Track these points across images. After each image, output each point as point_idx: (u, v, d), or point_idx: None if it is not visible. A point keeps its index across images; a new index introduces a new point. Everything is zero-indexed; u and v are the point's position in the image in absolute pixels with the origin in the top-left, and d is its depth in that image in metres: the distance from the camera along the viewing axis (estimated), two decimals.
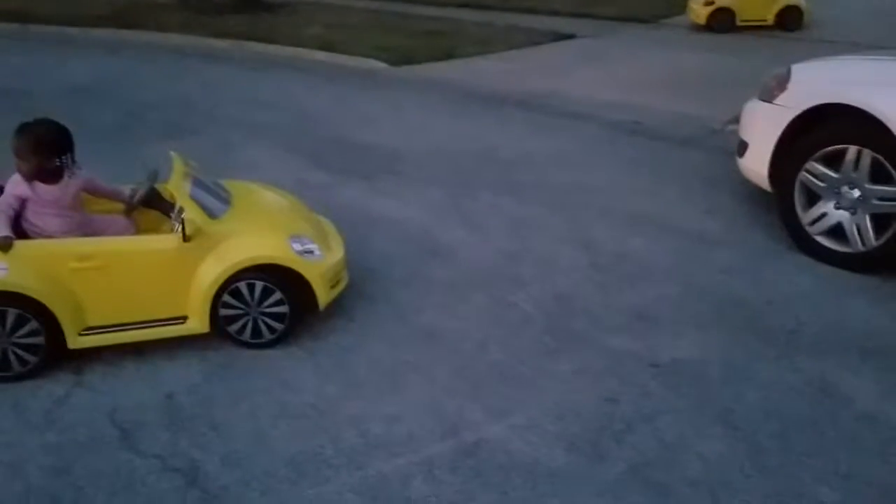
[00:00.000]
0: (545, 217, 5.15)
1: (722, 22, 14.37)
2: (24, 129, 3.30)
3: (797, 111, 4.50)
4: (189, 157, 3.80)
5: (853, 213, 4.31)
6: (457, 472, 2.76)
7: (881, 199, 4.18)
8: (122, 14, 13.91)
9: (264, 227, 3.64)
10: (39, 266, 3.20)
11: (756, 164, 4.85)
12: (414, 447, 2.89)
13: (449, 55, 11.50)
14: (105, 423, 3.01)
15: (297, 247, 3.52)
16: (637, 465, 2.81)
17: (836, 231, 4.39)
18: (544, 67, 10.85)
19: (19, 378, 3.25)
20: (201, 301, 3.37)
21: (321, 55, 11.45)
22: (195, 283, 3.38)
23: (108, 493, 2.65)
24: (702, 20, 14.55)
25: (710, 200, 5.44)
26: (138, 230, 3.66)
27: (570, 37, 13.54)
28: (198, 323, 3.42)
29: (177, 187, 3.44)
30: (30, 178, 3.30)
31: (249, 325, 3.47)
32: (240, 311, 3.44)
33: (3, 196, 3.32)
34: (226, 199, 3.67)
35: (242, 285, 3.40)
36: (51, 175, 3.34)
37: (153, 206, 3.67)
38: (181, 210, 3.39)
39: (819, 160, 4.42)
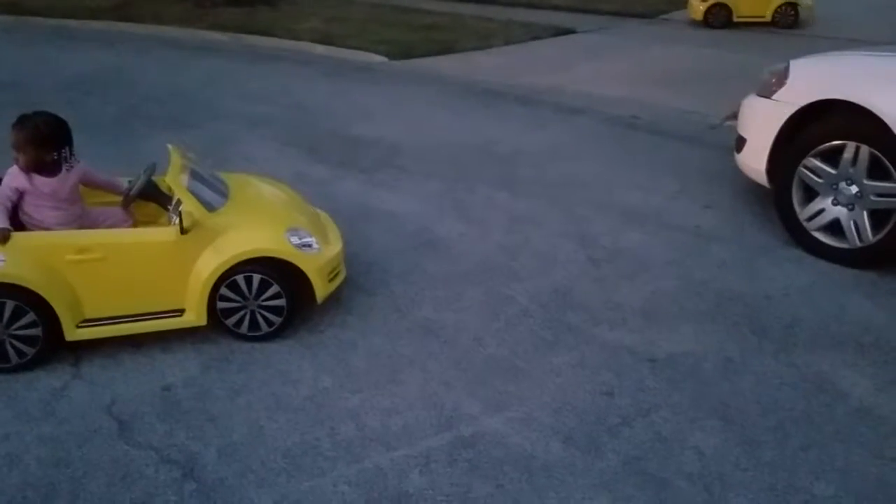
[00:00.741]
0: (543, 211, 5.15)
1: (719, 17, 14.38)
2: (22, 122, 3.30)
3: (795, 107, 4.51)
4: (187, 150, 3.80)
5: (850, 210, 4.31)
6: (453, 465, 2.77)
7: (879, 195, 4.18)
8: (121, 6, 13.88)
9: (262, 220, 3.64)
10: (37, 258, 3.20)
11: (754, 160, 4.85)
12: (411, 440, 2.90)
13: (448, 49, 11.49)
14: (102, 414, 3.02)
15: (295, 240, 3.52)
16: (633, 459, 2.82)
17: (834, 227, 4.40)
18: (544, 62, 10.84)
19: (17, 370, 3.25)
20: (199, 294, 3.37)
21: (320, 48, 11.44)
22: (193, 275, 3.38)
23: (106, 485, 2.65)
24: (699, 16, 14.56)
25: (708, 196, 5.45)
26: (136, 223, 3.67)
27: (570, 32, 13.54)
28: (195, 316, 3.42)
29: (174, 180, 3.43)
30: (28, 170, 3.30)
31: (247, 317, 3.47)
32: (237, 304, 3.44)
33: (0, 188, 3.31)
34: (223, 192, 3.67)
35: (240, 278, 3.40)
36: (49, 167, 3.34)
37: (151, 198, 3.67)
38: (179, 202, 3.39)
39: (817, 156, 4.42)
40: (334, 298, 3.81)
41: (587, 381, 3.28)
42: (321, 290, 3.57)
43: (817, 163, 4.42)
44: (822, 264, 4.37)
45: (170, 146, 3.68)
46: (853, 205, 4.30)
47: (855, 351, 3.51)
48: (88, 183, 3.62)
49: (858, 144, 4.21)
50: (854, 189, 4.28)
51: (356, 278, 4.07)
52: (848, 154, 4.26)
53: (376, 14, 14.55)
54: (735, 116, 5.41)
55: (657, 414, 3.07)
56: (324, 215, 4.12)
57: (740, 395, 3.19)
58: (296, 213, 3.82)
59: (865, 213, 4.24)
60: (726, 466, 2.78)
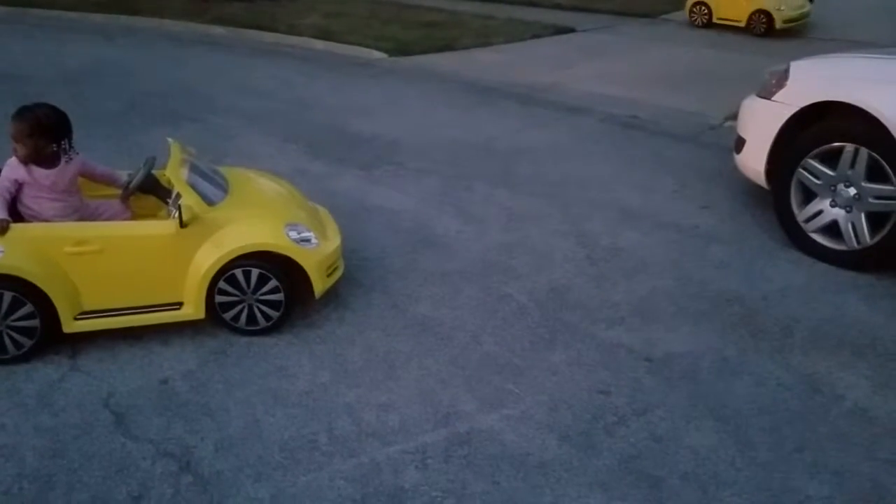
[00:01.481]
0: (541, 209, 5.16)
1: (700, 16, 14.32)
2: (22, 113, 3.29)
3: (795, 108, 4.51)
4: (187, 144, 3.80)
5: (849, 211, 4.32)
6: (449, 462, 2.78)
7: (877, 197, 4.19)
8: (122, 0, 13.85)
9: (261, 215, 3.63)
10: (36, 249, 3.20)
11: (753, 161, 4.86)
12: (407, 436, 2.91)
13: (448, 46, 11.48)
14: (99, 407, 3.02)
15: (294, 235, 3.53)
16: (628, 458, 2.82)
17: (832, 229, 4.41)
18: (543, 60, 10.83)
19: (14, 361, 3.25)
20: (197, 287, 3.38)
21: (320, 44, 11.43)
22: (191, 269, 3.38)
23: (102, 477, 2.66)
24: (686, 13, 14.55)
25: (707, 196, 5.46)
26: (135, 216, 3.67)
27: (570, 30, 13.53)
28: (193, 309, 3.42)
29: (174, 173, 3.43)
30: (26, 161, 3.29)
31: (245, 312, 3.48)
32: (235, 298, 3.45)
33: None
34: (223, 186, 3.67)
35: (238, 272, 3.40)
36: (48, 159, 3.34)
37: (150, 191, 3.67)
38: (178, 196, 3.39)
39: (816, 158, 4.43)
40: (332, 294, 3.81)
41: (584, 380, 3.29)
42: (319, 285, 3.58)
43: (816, 164, 4.43)
44: (820, 266, 4.38)
45: (170, 140, 3.68)
46: (851, 207, 4.31)
47: (851, 353, 3.52)
48: (87, 175, 3.62)
49: (857, 147, 4.21)
50: (852, 191, 4.29)
51: (354, 274, 4.07)
52: (847, 156, 4.27)
53: (377, 10, 14.52)
54: (735, 117, 5.42)
55: (653, 413, 3.08)
56: (322, 211, 4.12)
57: (736, 395, 3.20)
58: (295, 209, 3.82)
59: (863, 216, 4.25)
60: (721, 466, 2.79)
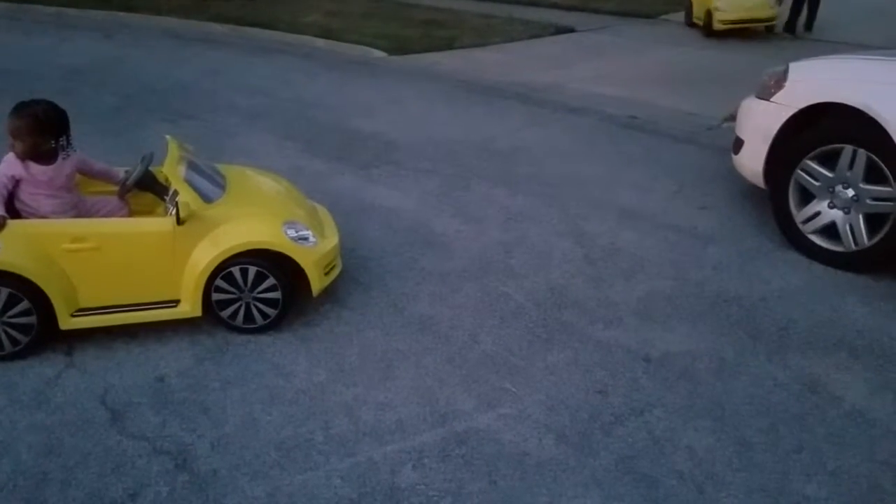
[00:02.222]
0: (540, 209, 5.16)
1: (686, 15, 14.35)
2: (20, 110, 3.29)
3: (794, 109, 4.51)
4: (185, 142, 3.79)
5: (846, 213, 4.32)
6: (446, 461, 2.77)
7: (875, 199, 4.19)
8: None
9: (259, 213, 3.63)
10: (33, 246, 3.20)
11: (751, 162, 4.86)
12: (404, 435, 2.90)
13: (448, 45, 11.49)
14: (95, 404, 3.01)
15: (292, 233, 3.52)
16: (626, 458, 2.82)
17: (830, 230, 4.41)
18: (543, 60, 10.83)
19: (10, 358, 3.25)
20: (194, 285, 3.37)
21: (320, 42, 11.43)
22: (188, 266, 3.38)
23: (97, 475, 2.65)
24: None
25: (705, 197, 5.45)
26: (132, 213, 3.66)
27: (570, 30, 13.54)
28: (190, 307, 3.42)
29: (171, 170, 3.43)
30: (24, 158, 3.29)
31: (242, 310, 3.47)
32: (233, 296, 3.44)
33: None
34: (221, 184, 3.66)
35: (236, 270, 3.40)
36: (45, 156, 3.33)
37: (148, 188, 3.66)
38: (176, 193, 3.39)
39: (814, 159, 4.43)
40: (330, 292, 3.81)
41: (581, 380, 3.28)
42: (317, 283, 3.57)
43: (814, 166, 4.43)
44: (818, 267, 4.38)
45: (167, 137, 3.67)
46: (849, 208, 4.30)
47: (848, 354, 3.52)
48: (85, 172, 3.61)
49: (856, 148, 4.21)
50: (850, 193, 4.29)
51: (352, 272, 4.06)
52: (845, 157, 4.27)
53: (377, 9, 14.53)
54: (733, 118, 5.42)
55: (650, 413, 3.07)
56: (321, 209, 4.11)
57: (733, 395, 3.20)
58: (293, 207, 3.82)
59: (861, 217, 4.25)
60: (718, 467, 2.79)
